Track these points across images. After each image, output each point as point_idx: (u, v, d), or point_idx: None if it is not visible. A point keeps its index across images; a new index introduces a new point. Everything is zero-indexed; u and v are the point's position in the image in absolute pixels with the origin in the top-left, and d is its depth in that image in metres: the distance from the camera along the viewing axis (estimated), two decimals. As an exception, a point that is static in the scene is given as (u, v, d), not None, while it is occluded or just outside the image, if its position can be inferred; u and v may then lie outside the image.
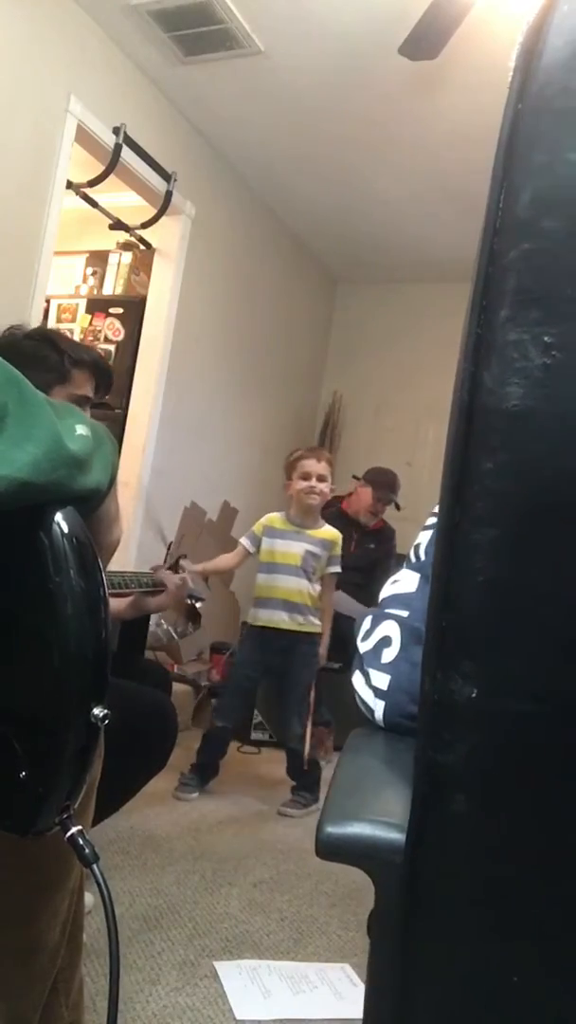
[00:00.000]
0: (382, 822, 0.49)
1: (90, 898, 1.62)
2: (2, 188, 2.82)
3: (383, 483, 3.96)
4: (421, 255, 4.70)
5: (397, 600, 0.75)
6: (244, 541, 2.92)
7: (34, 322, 2.91)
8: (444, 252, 4.56)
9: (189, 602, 2.34)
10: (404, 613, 0.73)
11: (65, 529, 0.71)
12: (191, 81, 3.37)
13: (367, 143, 3.62)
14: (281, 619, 2.83)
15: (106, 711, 0.72)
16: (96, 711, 0.71)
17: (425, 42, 2.57)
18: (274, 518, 2.91)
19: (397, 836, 0.48)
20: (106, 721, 0.72)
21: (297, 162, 3.91)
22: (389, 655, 0.71)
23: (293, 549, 2.85)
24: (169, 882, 2.07)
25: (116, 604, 1.94)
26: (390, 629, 0.73)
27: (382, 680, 0.70)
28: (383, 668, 0.71)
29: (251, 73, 3.23)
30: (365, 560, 3.82)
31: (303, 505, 2.86)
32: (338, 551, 2.92)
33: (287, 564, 2.83)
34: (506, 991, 0.47)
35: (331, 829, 0.49)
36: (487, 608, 0.44)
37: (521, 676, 0.44)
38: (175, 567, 2.17)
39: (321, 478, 2.84)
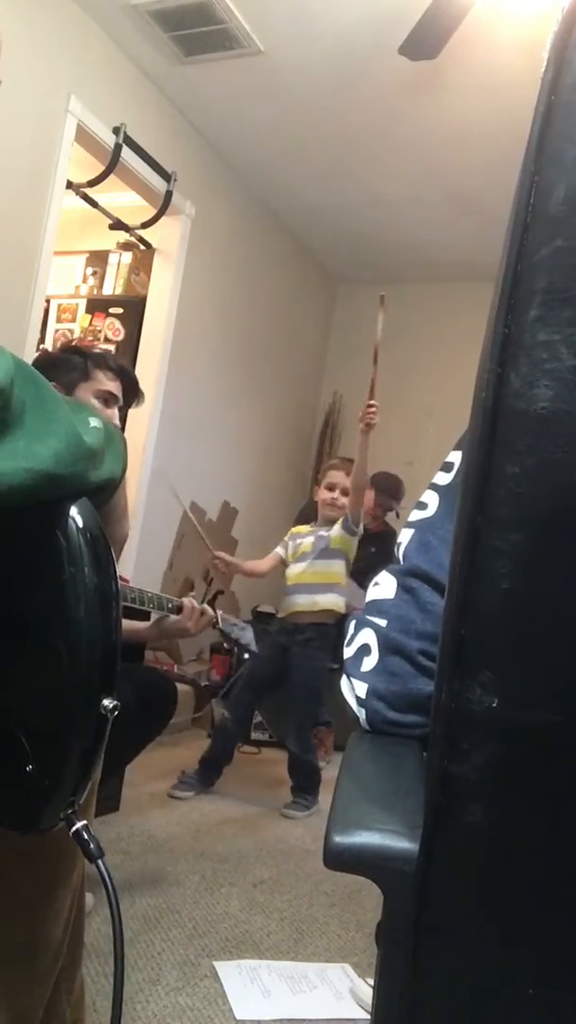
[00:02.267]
0: (391, 831, 0.48)
1: (90, 898, 1.62)
2: (2, 188, 2.82)
3: (385, 488, 3.97)
4: (421, 255, 4.70)
5: (375, 606, 0.75)
6: (278, 549, 3.11)
7: (34, 322, 2.96)
8: (444, 252, 4.56)
9: (238, 652, 2.33)
10: (382, 623, 0.73)
11: (80, 523, 0.71)
12: (191, 81, 3.37)
13: (367, 143, 3.61)
14: (298, 603, 2.96)
15: (116, 702, 0.71)
16: (106, 702, 0.71)
17: (425, 42, 2.57)
18: (299, 527, 3.17)
19: (408, 845, 0.47)
20: (115, 713, 0.71)
21: (297, 162, 3.91)
22: (368, 664, 0.72)
23: (307, 542, 3.02)
24: (169, 882, 2.07)
25: (137, 625, 1.95)
26: (368, 638, 0.73)
27: (361, 689, 0.71)
28: (362, 677, 0.72)
29: (251, 73, 3.22)
30: (366, 563, 3.80)
31: (323, 515, 3.05)
32: (340, 523, 2.97)
33: (302, 553, 3.01)
34: (520, 1005, 0.46)
35: (339, 839, 0.47)
36: (510, 616, 0.43)
37: (545, 686, 0.43)
38: (212, 602, 2.17)
39: (344, 491, 2.99)
